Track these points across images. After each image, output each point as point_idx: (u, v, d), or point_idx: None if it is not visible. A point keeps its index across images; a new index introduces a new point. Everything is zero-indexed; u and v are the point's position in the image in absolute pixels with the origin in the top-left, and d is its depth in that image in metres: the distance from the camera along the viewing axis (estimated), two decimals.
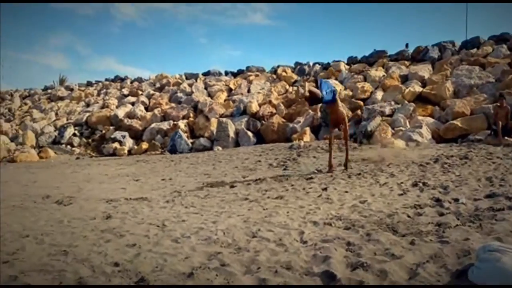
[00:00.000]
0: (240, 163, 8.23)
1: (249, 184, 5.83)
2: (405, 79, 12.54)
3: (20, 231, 3.55)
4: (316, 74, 15.61)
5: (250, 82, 16.11)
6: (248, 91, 15.20)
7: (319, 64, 16.68)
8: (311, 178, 5.76)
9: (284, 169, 7.02)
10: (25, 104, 20.31)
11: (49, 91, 21.88)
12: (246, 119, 12.31)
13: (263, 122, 12.04)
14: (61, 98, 19.75)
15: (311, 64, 17.01)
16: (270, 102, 13.14)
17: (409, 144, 8.78)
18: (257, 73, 17.57)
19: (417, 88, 11.35)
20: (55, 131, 15.03)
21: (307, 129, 10.89)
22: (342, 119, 6.50)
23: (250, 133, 11.50)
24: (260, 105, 13.04)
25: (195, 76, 18.54)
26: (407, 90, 11.27)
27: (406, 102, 10.89)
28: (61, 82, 23.52)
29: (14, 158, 12.23)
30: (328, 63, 16.32)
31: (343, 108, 6.98)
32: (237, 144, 11.48)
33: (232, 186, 5.69)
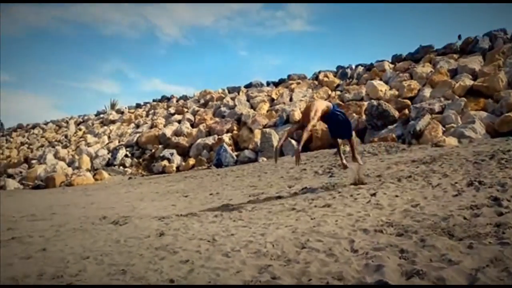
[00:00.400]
0: (285, 173, 8.22)
1: (295, 193, 5.81)
2: (454, 73, 12.00)
3: (81, 253, 3.76)
4: (360, 76, 15.32)
5: (292, 90, 16.11)
6: (290, 99, 15.21)
7: (362, 66, 16.35)
8: (359, 184, 5.63)
9: (330, 176, 6.93)
10: (80, 129, 21.63)
11: (102, 115, 23.18)
12: (289, 128, 12.31)
13: None
14: (113, 122, 20.83)
15: (353, 66, 16.74)
16: None
17: (462, 141, 8.36)
18: (299, 80, 17.55)
19: (467, 81, 10.82)
20: (108, 153, 15.82)
21: (352, 133, 10.67)
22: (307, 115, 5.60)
23: (294, 142, 11.46)
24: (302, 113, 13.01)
25: (237, 89, 18.85)
26: (457, 85, 10.77)
27: (457, 97, 10.40)
28: (112, 106, 24.86)
29: (71, 182, 12.98)
30: (371, 64, 15.96)
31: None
32: (281, 153, 11.48)
33: (278, 197, 5.69)
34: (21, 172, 16.01)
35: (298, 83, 16.96)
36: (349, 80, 15.60)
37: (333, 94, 14.47)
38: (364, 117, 11.31)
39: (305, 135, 5.39)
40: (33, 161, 17.09)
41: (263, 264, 2.86)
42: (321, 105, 5.70)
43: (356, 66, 16.52)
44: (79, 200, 8.83)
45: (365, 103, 11.80)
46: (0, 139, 27.72)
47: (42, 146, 20.57)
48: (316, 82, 16.53)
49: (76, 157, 16.07)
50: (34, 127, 27.71)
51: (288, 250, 3.09)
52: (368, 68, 15.80)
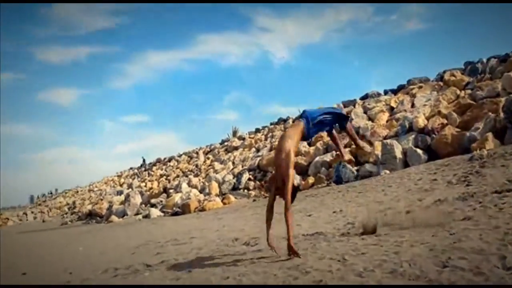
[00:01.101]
0: (413, 185, 7.69)
1: (427, 206, 5.39)
2: None
3: (221, 273, 4.05)
4: (493, 70, 13.62)
5: (413, 96, 15.10)
6: (412, 105, 14.24)
7: (495, 58, 14.47)
8: (504, 191, 4.97)
9: (467, 185, 6.25)
10: (208, 158, 23.60)
11: (226, 143, 25.01)
12: (413, 136, 11.52)
13: (433, 136, 11.03)
14: (236, 148, 22.26)
15: (484, 60, 14.96)
16: (439, 112, 11.99)
17: None
18: (420, 84, 16.36)
19: None
20: (233, 178, 16.84)
21: (489, 135, 9.47)
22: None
23: (419, 151, 10.68)
24: (427, 119, 12.04)
25: (352, 103, 18.45)
26: None
27: None
28: (234, 133, 26.67)
29: (204, 207, 14.14)
30: (507, 54, 14.03)
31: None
32: (406, 164, 10.78)
33: (407, 212, 5.34)
34: (161, 201, 17.98)
35: (420, 87, 15.80)
36: (480, 76, 13.96)
37: (462, 94, 13.11)
38: (502, 115, 9.99)
39: (288, 197, 4.20)
40: (171, 191, 19.08)
41: (402, 284, 2.71)
42: (290, 143, 4.42)
43: (488, 59, 14.69)
44: (212, 224, 9.53)
45: (502, 99, 10.41)
46: (143, 173, 31.77)
47: (177, 176, 22.91)
48: (441, 84, 15.16)
49: (206, 184, 17.46)
50: (170, 159, 31.15)
51: (427, 269, 2.88)
52: (503, 59, 13.89)
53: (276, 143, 17.45)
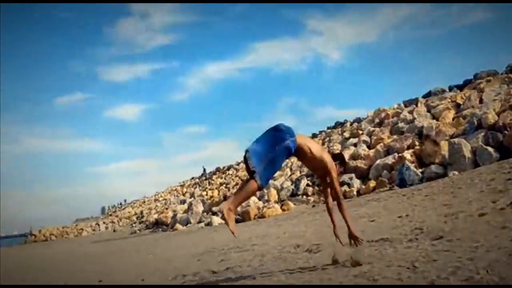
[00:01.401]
0: (484, 186, 7.18)
1: (502, 209, 5.01)
2: None
3: (285, 280, 4.06)
4: None
5: (481, 90, 14.18)
6: (480, 101, 13.36)
7: None
8: None
9: None
10: None
11: None
12: (482, 134, 10.77)
13: (505, 132, 10.25)
14: None
15: None
16: (510, 107, 11.15)
17: None
18: (489, 78, 15.34)
19: None
20: (291, 184, 16.80)
21: None
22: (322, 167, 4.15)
23: (490, 149, 9.97)
24: (498, 114, 11.22)
25: (414, 102, 17.71)
26: None
27: None
28: None
29: (263, 214, 14.28)
30: None
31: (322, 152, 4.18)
32: (476, 164, 10.10)
33: (481, 214, 5.01)
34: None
35: (488, 81, 14.80)
36: None
37: None
38: None
39: (339, 194, 4.19)
40: None
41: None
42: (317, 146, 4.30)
43: None
44: (273, 231, 9.58)
45: None
46: (204, 182, 32.71)
47: (236, 184, 23.32)
48: (511, 76, 14.13)
49: (265, 191, 17.58)
50: (228, 168, 31.82)
51: (508, 275, 2.68)
52: None
53: (334, 147, 17.12)
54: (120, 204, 62.44)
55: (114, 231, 31.66)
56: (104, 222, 40.48)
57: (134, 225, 29.22)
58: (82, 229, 38.97)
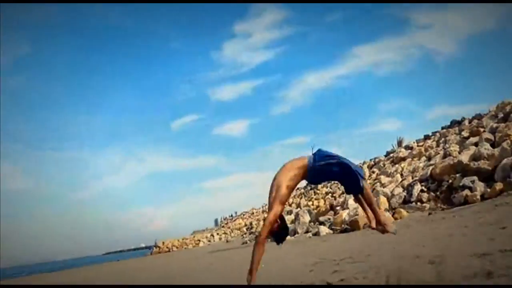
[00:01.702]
0: None
1: None
2: None
3: None
4: None
5: None
6: None
7: None
8: None
9: None
10: (373, 172, 22.75)
11: (391, 155, 23.77)
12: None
13: None
14: (403, 159, 20.92)
15: None
16: None
17: None
18: None
19: None
20: (403, 191, 15.76)
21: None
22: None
23: None
24: None
25: None
26: None
27: None
28: (399, 143, 25.18)
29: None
30: None
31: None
32: None
33: None
34: (329, 219, 18.01)
35: None
36: None
37: None
38: None
39: (265, 230, 4.16)
40: (337, 208, 18.99)
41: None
42: (287, 174, 4.16)
43: None
44: (385, 240, 9.05)
45: None
46: (309, 192, 32.58)
47: (342, 193, 22.73)
48: None
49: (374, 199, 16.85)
50: None
51: None
52: None
53: (451, 148, 15.80)
54: (231, 216, 65.56)
55: (227, 241, 33.31)
56: (217, 233, 42.91)
57: (244, 236, 30.34)
58: (199, 240, 41.84)
